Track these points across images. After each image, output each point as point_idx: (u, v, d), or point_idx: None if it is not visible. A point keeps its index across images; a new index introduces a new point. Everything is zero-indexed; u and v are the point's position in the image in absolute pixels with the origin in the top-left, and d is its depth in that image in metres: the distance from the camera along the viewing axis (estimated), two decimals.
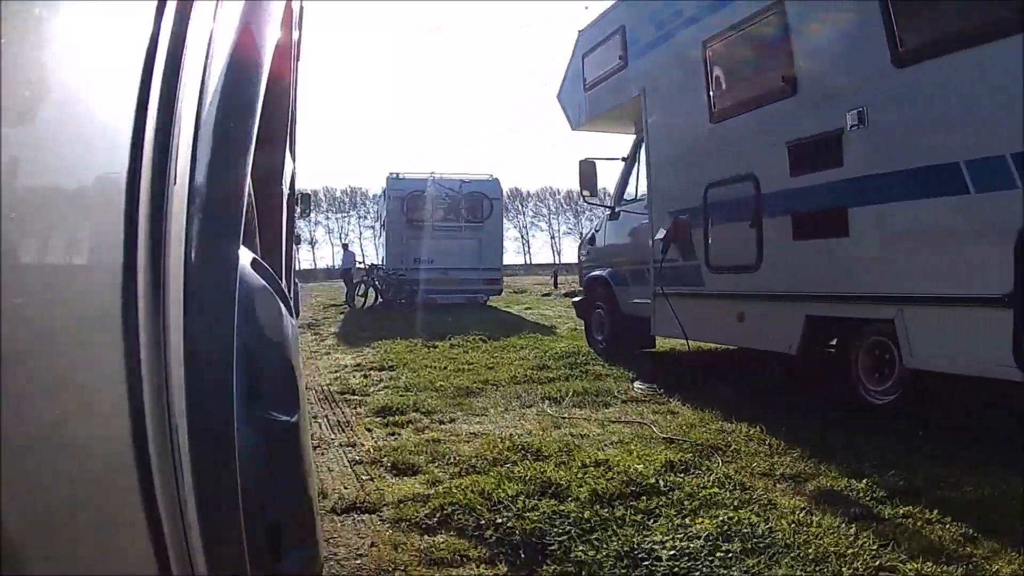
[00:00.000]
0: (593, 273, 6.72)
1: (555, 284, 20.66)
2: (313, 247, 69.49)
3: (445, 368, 5.60)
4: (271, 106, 1.05)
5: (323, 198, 70.39)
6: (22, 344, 0.35)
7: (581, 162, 6.25)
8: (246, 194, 0.63)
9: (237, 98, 0.63)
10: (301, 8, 2.16)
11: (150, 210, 0.47)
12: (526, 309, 13.56)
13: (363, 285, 13.77)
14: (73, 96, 0.41)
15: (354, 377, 5.39)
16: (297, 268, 6.51)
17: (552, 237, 79.22)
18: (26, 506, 0.35)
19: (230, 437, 0.55)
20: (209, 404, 0.54)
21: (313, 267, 60.77)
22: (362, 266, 15.46)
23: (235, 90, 0.63)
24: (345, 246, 20.55)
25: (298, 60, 2.19)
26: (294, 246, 3.92)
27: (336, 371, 5.76)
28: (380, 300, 13.54)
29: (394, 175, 13.95)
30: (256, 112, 0.66)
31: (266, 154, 1.34)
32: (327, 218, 71.73)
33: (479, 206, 13.92)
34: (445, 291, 13.15)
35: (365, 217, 71.83)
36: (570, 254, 77.28)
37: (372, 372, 5.62)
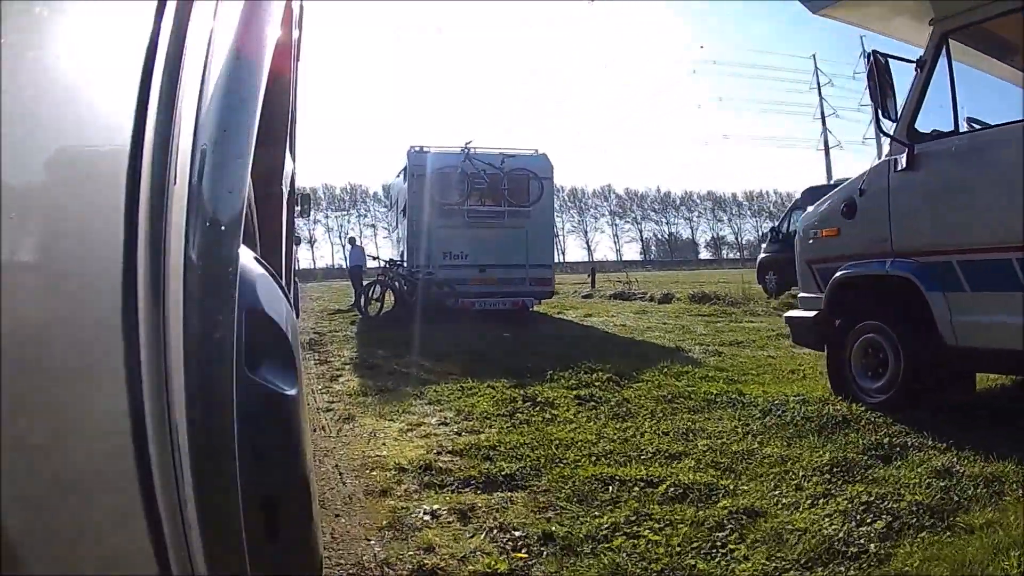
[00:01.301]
0: (857, 271, 3.73)
1: (593, 284, 18.01)
2: (312, 246, 69.34)
3: (655, 487, 2.53)
4: (271, 105, 1.05)
5: (323, 196, 70.20)
6: (22, 344, 0.35)
7: (873, 55, 3.40)
8: (246, 194, 0.63)
9: (237, 98, 0.63)
10: (301, 8, 2.16)
11: (150, 210, 0.47)
12: (587, 316, 10.79)
13: (378, 286, 11.03)
14: (73, 96, 0.41)
15: (442, 531, 2.20)
16: (296, 268, 6.44)
17: (556, 235, 79.02)
18: (26, 506, 0.35)
19: (230, 437, 0.55)
20: (209, 403, 0.54)
21: (312, 266, 60.74)
22: (376, 262, 12.51)
23: (235, 90, 0.63)
24: (352, 240, 16.77)
25: (298, 60, 2.19)
26: (294, 246, 3.92)
27: (383, 491, 2.55)
28: (400, 304, 10.83)
29: (417, 148, 10.97)
30: (256, 111, 0.66)
31: (266, 153, 1.35)
32: (327, 216, 71.58)
33: (525, 187, 10.87)
34: (483, 294, 10.41)
35: (365, 215, 71.66)
36: (574, 252, 77.25)
37: (475, 496, 2.50)
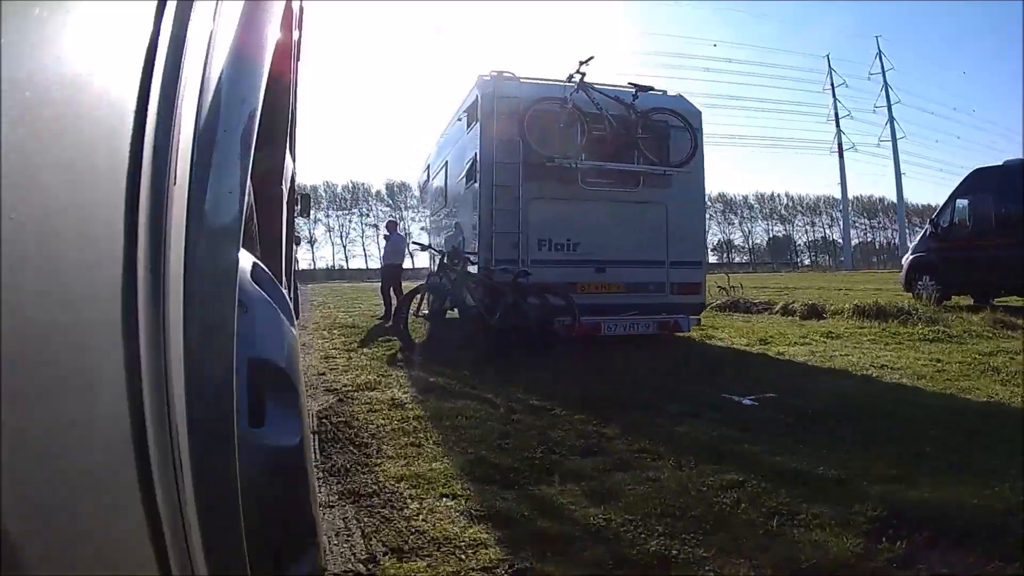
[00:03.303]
0: None
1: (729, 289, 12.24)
2: (313, 246, 68.90)
3: None
4: (271, 106, 1.05)
5: (323, 194, 69.84)
6: (22, 344, 0.35)
7: None
8: (246, 194, 0.63)
9: (237, 98, 0.63)
10: (301, 8, 2.16)
11: (150, 210, 0.47)
12: (762, 342, 7.05)
13: (435, 295, 6.97)
14: (73, 96, 0.41)
15: None
16: (296, 268, 5.81)
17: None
18: (26, 506, 0.35)
19: (230, 437, 0.55)
20: (209, 404, 0.54)
21: (312, 267, 60.46)
22: (416, 250, 8.04)
23: (235, 90, 0.63)
24: (392, 224, 11.06)
25: (298, 60, 2.20)
26: (294, 247, 3.92)
27: None
28: (454, 316, 6.93)
29: (494, 74, 6.72)
30: (256, 112, 0.66)
31: (266, 154, 1.35)
32: (327, 216, 71.29)
33: (668, 138, 6.82)
34: (607, 308, 6.47)
35: (367, 214, 71.28)
36: None
37: None
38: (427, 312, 7.13)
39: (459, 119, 7.75)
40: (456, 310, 6.80)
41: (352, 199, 72.98)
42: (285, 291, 0.79)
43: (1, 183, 0.33)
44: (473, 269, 6.59)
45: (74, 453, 0.40)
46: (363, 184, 73.14)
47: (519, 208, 6.47)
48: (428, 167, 10.91)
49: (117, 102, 0.45)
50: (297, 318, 1.47)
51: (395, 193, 71.66)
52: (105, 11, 0.45)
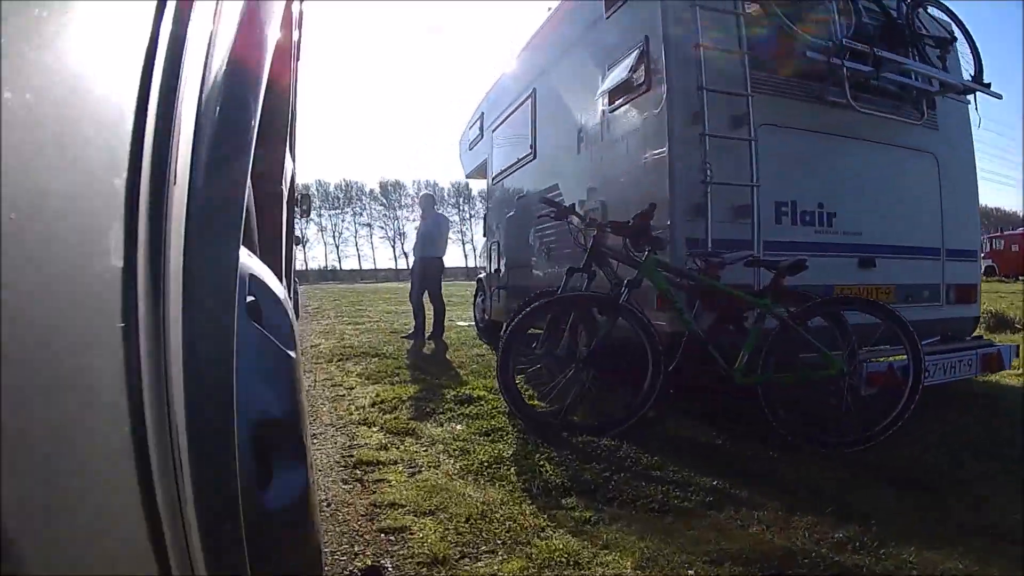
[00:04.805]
0: None
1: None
2: (305, 247, 68.06)
3: None
4: (271, 106, 1.05)
5: (316, 193, 69.01)
6: (22, 344, 0.35)
7: None
8: (246, 194, 0.63)
9: (237, 98, 0.63)
10: (301, 9, 2.16)
11: (150, 210, 0.47)
12: None
13: (578, 312, 3.27)
14: (73, 97, 0.41)
15: None
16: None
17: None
18: (26, 506, 0.35)
19: (230, 437, 0.55)
20: (209, 404, 0.54)
21: (305, 267, 60.00)
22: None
23: (235, 90, 0.63)
24: (429, 199, 7.72)
25: (298, 60, 2.20)
26: (295, 246, 3.88)
27: None
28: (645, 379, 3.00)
29: None
30: (256, 112, 0.65)
31: (266, 153, 1.35)
32: (320, 215, 70.73)
33: (948, 45, 4.07)
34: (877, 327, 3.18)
35: (361, 213, 70.79)
36: None
37: None
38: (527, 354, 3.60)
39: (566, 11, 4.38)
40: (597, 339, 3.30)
41: (345, 198, 72.34)
42: (285, 290, 0.79)
43: (1, 183, 0.33)
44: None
45: (74, 453, 0.40)
46: (357, 183, 72.70)
47: (750, 139, 3.34)
48: (480, 118, 7.28)
49: (117, 102, 0.45)
50: (297, 319, 1.46)
51: (389, 192, 71.39)
52: (105, 11, 0.45)
